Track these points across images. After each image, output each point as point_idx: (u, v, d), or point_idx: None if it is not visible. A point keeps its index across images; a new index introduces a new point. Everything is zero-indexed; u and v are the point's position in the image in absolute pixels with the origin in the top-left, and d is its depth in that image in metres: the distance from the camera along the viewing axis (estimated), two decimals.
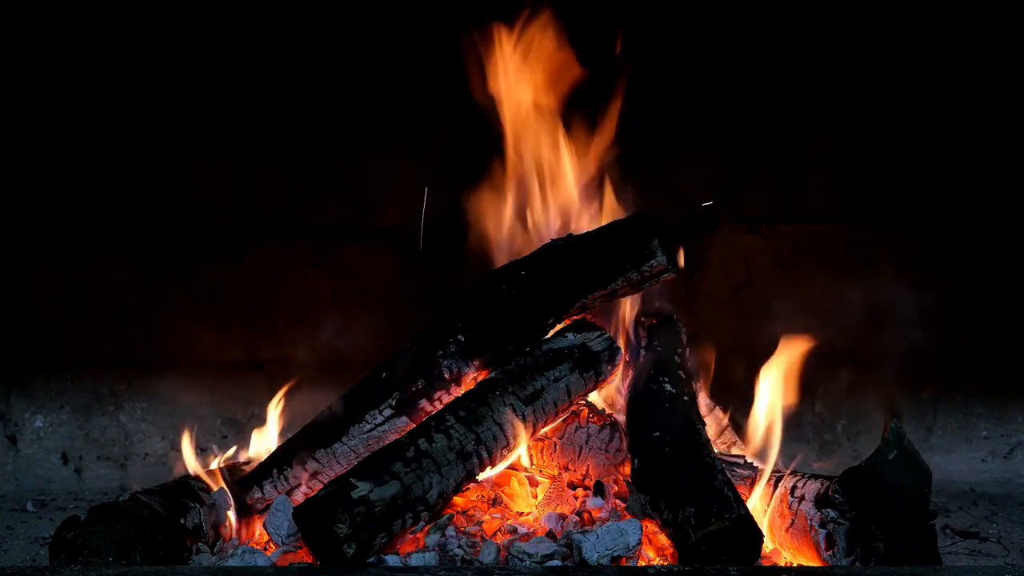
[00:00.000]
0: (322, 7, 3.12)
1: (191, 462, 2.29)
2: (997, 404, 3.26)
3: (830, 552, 1.92)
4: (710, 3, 3.14)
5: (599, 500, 2.22)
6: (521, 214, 2.53)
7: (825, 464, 3.22)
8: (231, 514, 2.20)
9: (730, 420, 2.53)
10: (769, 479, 2.17)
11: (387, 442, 2.15)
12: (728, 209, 3.22)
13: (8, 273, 3.16)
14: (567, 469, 2.33)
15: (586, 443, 2.30)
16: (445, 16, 3.07)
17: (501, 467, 2.26)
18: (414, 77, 3.15)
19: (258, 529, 2.24)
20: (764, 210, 3.23)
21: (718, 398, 2.56)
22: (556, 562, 1.92)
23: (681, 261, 2.25)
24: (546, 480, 2.34)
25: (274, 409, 2.50)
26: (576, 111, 2.58)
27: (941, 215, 3.20)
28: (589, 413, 2.34)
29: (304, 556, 2.01)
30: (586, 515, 2.16)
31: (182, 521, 2.04)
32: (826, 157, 3.20)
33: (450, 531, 2.03)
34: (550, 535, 2.04)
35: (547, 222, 2.52)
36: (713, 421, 2.49)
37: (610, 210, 2.51)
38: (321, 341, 3.18)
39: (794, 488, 2.07)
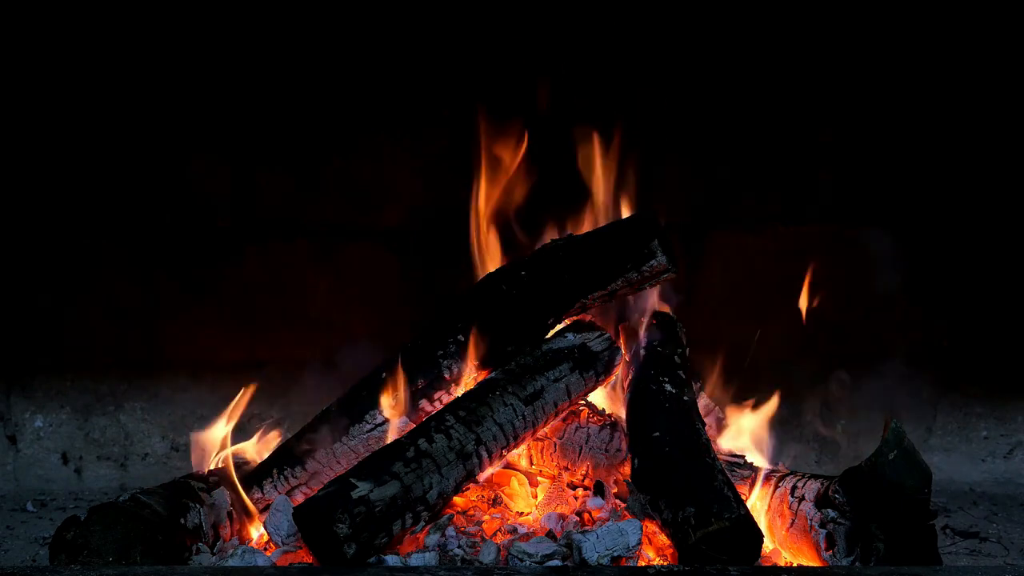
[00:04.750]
0: (322, 7, 3.12)
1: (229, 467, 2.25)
2: (997, 404, 3.25)
3: (830, 552, 1.92)
4: (709, 4, 3.14)
5: (599, 500, 2.22)
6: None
7: (825, 464, 3.22)
8: (231, 514, 2.19)
9: (729, 420, 2.53)
10: (769, 479, 2.17)
11: (387, 442, 2.15)
12: (728, 209, 3.22)
13: (8, 273, 3.16)
14: (567, 469, 2.33)
15: (586, 443, 2.30)
16: (445, 17, 3.07)
17: (501, 466, 2.26)
18: (414, 77, 3.15)
19: (258, 529, 2.24)
20: (764, 210, 3.23)
21: (718, 398, 2.56)
22: (556, 562, 1.92)
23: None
24: (546, 480, 2.34)
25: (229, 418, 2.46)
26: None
27: (942, 216, 3.20)
28: (589, 413, 2.34)
29: (304, 556, 2.01)
30: (586, 515, 2.16)
31: (182, 521, 2.04)
32: (827, 158, 3.19)
33: (450, 531, 2.03)
34: (550, 535, 2.04)
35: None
36: (713, 421, 2.49)
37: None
38: (321, 341, 3.17)
39: (794, 488, 2.07)
